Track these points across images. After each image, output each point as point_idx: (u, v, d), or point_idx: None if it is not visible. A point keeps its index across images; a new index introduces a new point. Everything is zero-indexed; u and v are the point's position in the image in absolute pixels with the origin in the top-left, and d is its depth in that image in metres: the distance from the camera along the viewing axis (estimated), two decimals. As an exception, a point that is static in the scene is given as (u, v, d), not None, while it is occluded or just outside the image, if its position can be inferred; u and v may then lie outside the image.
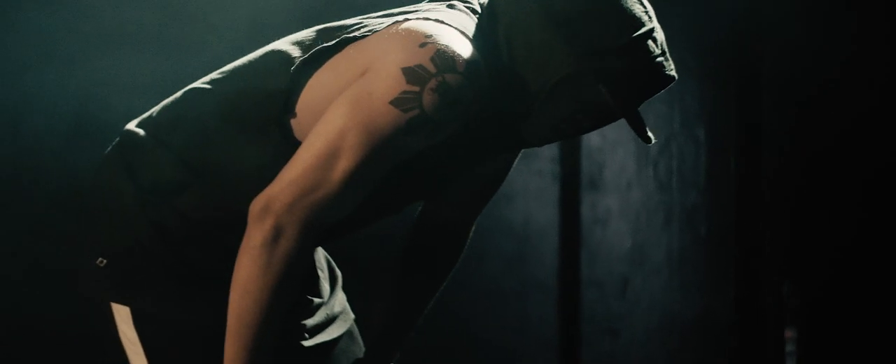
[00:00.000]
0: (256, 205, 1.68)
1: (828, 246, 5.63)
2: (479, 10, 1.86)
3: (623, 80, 1.77)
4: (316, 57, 1.77)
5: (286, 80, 1.76)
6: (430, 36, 1.69)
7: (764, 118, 5.50)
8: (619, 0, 1.78)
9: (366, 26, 1.79)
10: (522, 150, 2.08)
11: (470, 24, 1.80)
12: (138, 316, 1.82)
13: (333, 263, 2.12)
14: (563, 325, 4.47)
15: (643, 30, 1.78)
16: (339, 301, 2.06)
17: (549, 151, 4.33)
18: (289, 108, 1.76)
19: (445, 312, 2.41)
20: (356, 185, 1.69)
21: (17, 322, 2.60)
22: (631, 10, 1.78)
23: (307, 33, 1.86)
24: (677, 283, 5.17)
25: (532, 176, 4.25)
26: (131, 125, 1.89)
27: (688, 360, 5.28)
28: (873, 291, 5.51)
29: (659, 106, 4.98)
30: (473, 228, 2.19)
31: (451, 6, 1.85)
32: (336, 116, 1.67)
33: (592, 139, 4.51)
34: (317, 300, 1.96)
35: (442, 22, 1.74)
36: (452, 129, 1.73)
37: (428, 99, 1.66)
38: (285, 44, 1.84)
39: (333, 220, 1.71)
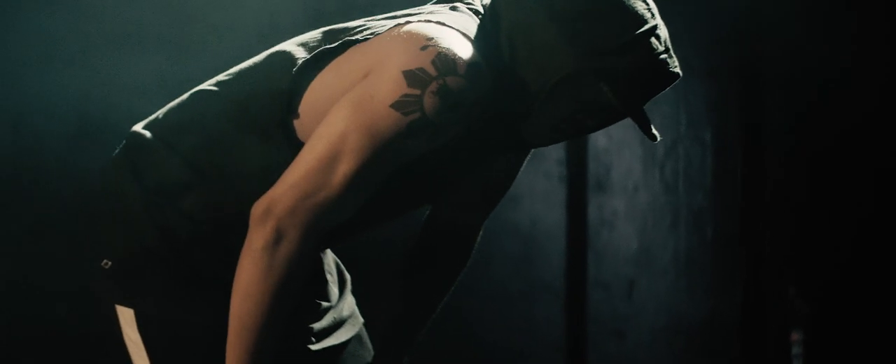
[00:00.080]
0: (258, 208, 1.68)
1: (834, 248, 5.62)
2: (481, 11, 1.86)
3: (625, 78, 1.76)
4: (318, 58, 1.78)
5: (288, 81, 1.76)
6: (432, 39, 1.69)
7: (768, 119, 5.50)
8: None
9: (368, 29, 1.80)
10: (530, 153, 2.08)
11: (472, 25, 1.80)
12: (142, 318, 1.81)
13: (343, 267, 2.12)
14: (569, 326, 4.47)
15: (646, 27, 1.77)
16: (348, 305, 2.05)
17: (556, 153, 4.33)
18: (292, 110, 1.76)
19: (452, 314, 2.40)
20: (357, 188, 1.69)
21: (18, 323, 2.60)
22: (633, 8, 1.77)
23: (313, 35, 1.86)
24: (684, 284, 5.16)
25: (539, 178, 4.25)
26: (138, 127, 1.89)
27: (694, 362, 5.27)
28: (879, 293, 5.51)
29: (665, 108, 4.98)
30: (481, 232, 2.18)
31: (453, 8, 1.85)
32: (337, 119, 1.68)
33: (599, 141, 4.51)
34: (325, 304, 1.96)
35: (444, 24, 1.74)
36: (454, 131, 1.73)
37: (429, 102, 1.66)
38: (291, 45, 1.85)
39: (335, 223, 1.71)
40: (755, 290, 5.54)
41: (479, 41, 1.75)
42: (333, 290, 2.02)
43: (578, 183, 4.46)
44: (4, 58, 2.56)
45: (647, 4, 1.80)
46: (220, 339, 1.72)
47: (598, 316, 4.59)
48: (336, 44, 1.77)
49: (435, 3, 1.91)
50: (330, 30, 1.85)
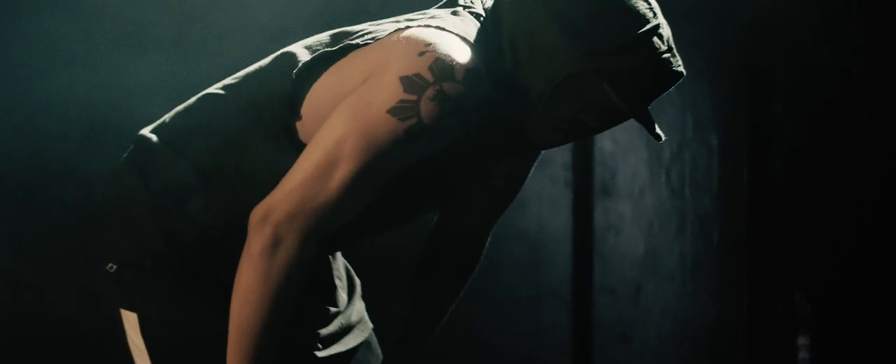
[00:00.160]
0: (257, 213, 1.68)
1: (840, 252, 5.61)
2: (483, 14, 1.86)
3: (628, 78, 1.76)
4: (319, 61, 1.78)
5: (290, 83, 1.77)
6: (430, 44, 1.69)
7: (775, 123, 5.49)
8: None
9: (370, 33, 1.80)
10: (538, 159, 2.08)
11: (473, 30, 1.79)
12: (146, 323, 1.82)
13: (353, 272, 2.11)
14: (576, 331, 4.47)
15: (648, 26, 1.76)
16: (357, 310, 2.04)
17: (562, 158, 4.32)
18: (294, 112, 1.77)
19: (460, 319, 2.40)
20: (355, 194, 1.69)
21: (23, 325, 2.60)
22: (635, 8, 1.77)
23: (321, 37, 1.86)
24: (690, 289, 5.16)
25: (545, 183, 4.25)
26: (145, 131, 1.89)
27: (701, 367, 5.27)
28: (885, 297, 5.49)
29: (671, 112, 4.98)
30: (490, 238, 2.18)
31: (454, 13, 1.85)
32: (335, 124, 1.68)
33: (605, 145, 4.50)
34: (333, 309, 1.95)
35: (444, 29, 1.74)
36: (452, 137, 1.73)
37: (425, 108, 1.66)
38: (297, 48, 1.85)
39: (334, 228, 1.71)
40: (761, 294, 5.53)
41: (479, 45, 1.75)
42: (342, 295, 2.01)
43: (584, 187, 4.46)
44: (15, 62, 2.56)
45: (649, 4, 1.80)
46: (223, 344, 1.72)
47: (605, 320, 4.59)
48: (337, 47, 1.78)
49: (437, 7, 1.91)
50: (337, 32, 1.85)
